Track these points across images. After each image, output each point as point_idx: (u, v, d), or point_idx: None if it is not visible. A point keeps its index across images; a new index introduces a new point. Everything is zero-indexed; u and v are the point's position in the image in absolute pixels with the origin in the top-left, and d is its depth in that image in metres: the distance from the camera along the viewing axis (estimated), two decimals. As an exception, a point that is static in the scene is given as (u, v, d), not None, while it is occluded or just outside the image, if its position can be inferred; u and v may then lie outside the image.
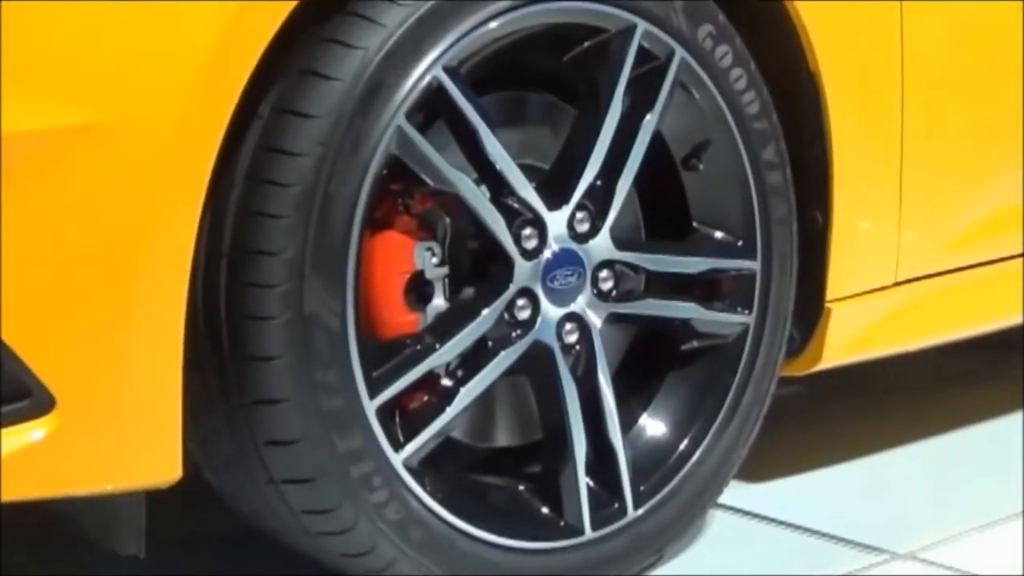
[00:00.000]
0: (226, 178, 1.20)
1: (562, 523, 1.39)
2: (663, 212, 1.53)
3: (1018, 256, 1.83)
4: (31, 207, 1.14)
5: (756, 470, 1.71)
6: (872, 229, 1.63)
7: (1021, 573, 1.47)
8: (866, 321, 1.67)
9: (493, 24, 1.30)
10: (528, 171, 1.38)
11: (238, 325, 1.22)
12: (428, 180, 1.29)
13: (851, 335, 1.66)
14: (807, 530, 1.61)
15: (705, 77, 1.43)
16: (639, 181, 1.43)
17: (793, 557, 1.55)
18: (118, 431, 1.20)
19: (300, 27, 1.21)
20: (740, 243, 1.50)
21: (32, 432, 1.17)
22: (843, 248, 1.58)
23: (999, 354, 2.15)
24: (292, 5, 1.19)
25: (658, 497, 1.43)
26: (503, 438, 1.49)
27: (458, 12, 1.28)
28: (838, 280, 1.59)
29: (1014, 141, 1.81)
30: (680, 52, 1.40)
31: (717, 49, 1.44)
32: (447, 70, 1.26)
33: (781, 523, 1.63)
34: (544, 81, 1.46)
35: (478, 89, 1.36)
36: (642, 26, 1.37)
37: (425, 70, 1.25)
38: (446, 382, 1.35)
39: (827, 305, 1.59)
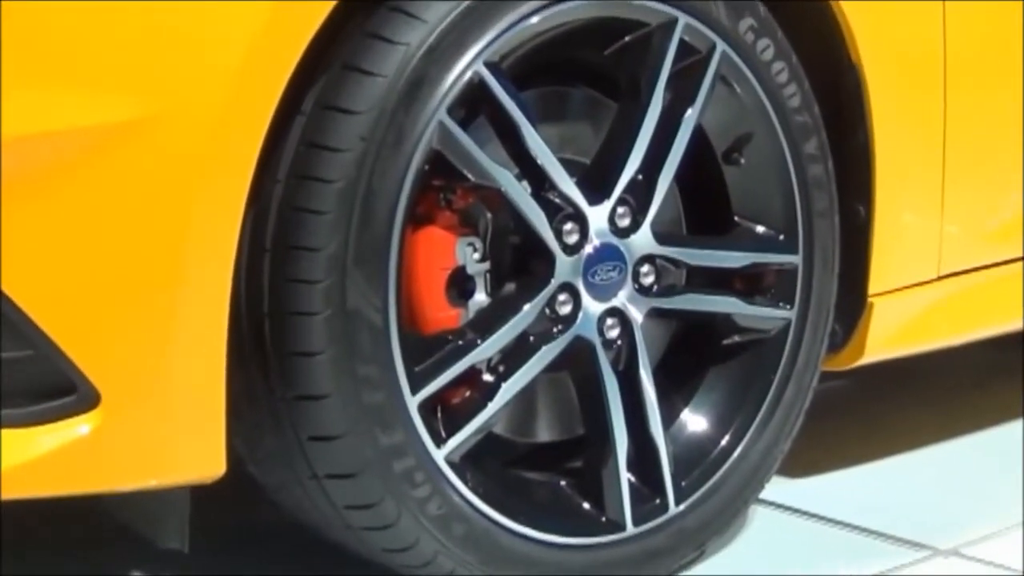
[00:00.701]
0: (269, 174, 1.19)
1: (603, 519, 1.38)
2: (704, 206, 1.51)
3: None
4: (77, 203, 1.13)
5: (798, 465, 1.69)
6: (915, 222, 1.61)
7: None
8: (909, 315, 1.65)
9: (534, 19, 1.28)
10: (569, 166, 1.36)
11: (281, 320, 1.21)
12: (470, 175, 1.28)
13: (894, 330, 1.64)
14: (849, 525, 1.59)
15: (747, 71, 1.41)
16: (680, 175, 1.41)
17: (835, 553, 1.54)
18: (162, 426, 1.19)
19: (342, 23, 1.20)
20: (782, 237, 1.48)
21: (78, 427, 1.16)
22: (885, 242, 1.56)
23: None
24: (334, 2, 1.16)
25: (700, 493, 1.42)
26: (545, 433, 1.48)
27: (499, 7, 1.27)
28: (880, 274, 1.57)
29: None
30: (721, 46, 1.39)
31: (758, 42, 1.42)
32: (488, 65, 1.25)
33: (823, 518, 1.62)
34: (585, 76, 1.44)
35: (519, 84, 1.34)
36: (683, 20, 1.36)
37: (467, 65, 1.24)
38: (488, 377, 1.33)
39: (870, 299, 1.57)
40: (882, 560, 1.49)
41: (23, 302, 1.13)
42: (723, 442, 1.46)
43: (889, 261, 1.57)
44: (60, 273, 1.14)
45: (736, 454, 1.45)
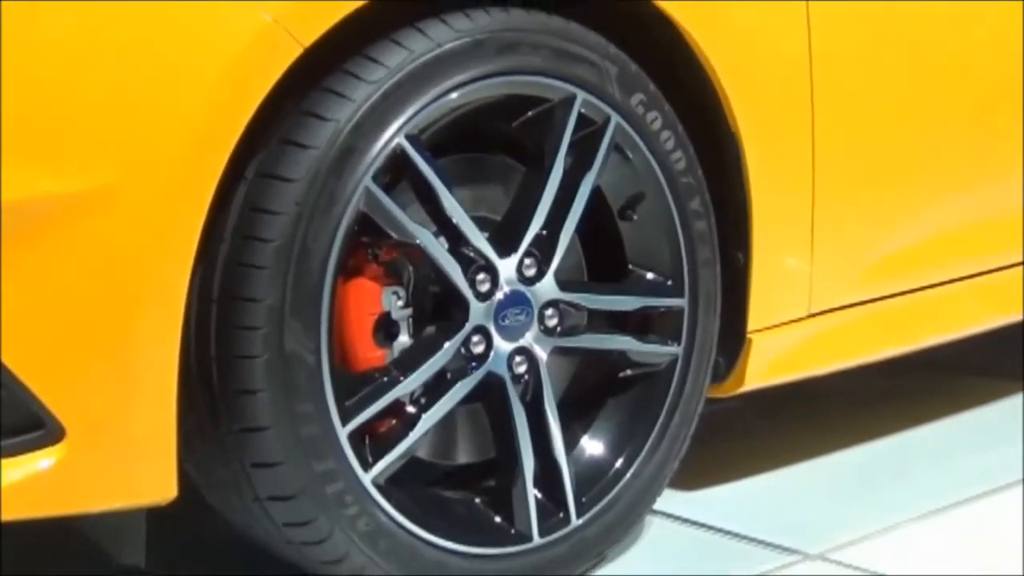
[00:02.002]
0: (215, 234, 1.22)
1: (513, 531, 1.40)
2: (602, 256, 1.53)
3: (927, 287, 1.82)
4: (45, 262, 1.16)
5: (688, 479, 1.70)
6: (787, 268, 1.62)
7: (920, 573, 1.49)
8: (783, 349, 1.66)
9: (453, 95, 1.31)
10: (482, 223, 1.38)
11: (226, 363, 1.23)
12: (393, 234, 1.30)
13: (770, 362, 1.65)
14: (730, 533, 1.61)
15: (638, 139, 1.43)
16: (580, 229, 1.43)
17: (716, 557, 1.56)
18: (121, 457, 1.21)
19: (280, 102, 1.23)
20: (670, 283, 1.50)
21: (45, 459, 1.18)
22: (761, 285, 1.58)
23: (915, 374, 2.16)
24: (272, 83, 1.20)
25: (598, 507, 1.44)
26: (462, 456, 1.49)
27: (419, 86, 1.29)
28: (758, 313, 1.59)
29: (920, 188, 1.80)
30: (615, 118, 1.41)
31: (648, 115, 1.44)
32: (409, 137, 1.28)
33: (708, 527, 1.63)
34: (497, 143, 1.46)
35: (439, 151, 1.36)
36: (581, 96, 1.39)
37: (390, 138, 1.27)
38: (411, 409, 1.35)
39: (748, 336, 1.60)
40: (756, 564, 1.51)
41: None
42: (618, 463, 1.47)
43: (765, 302, 1.59)
44: (30, 323, 1.16)
45: (630, 473, 1.47)
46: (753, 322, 1.59)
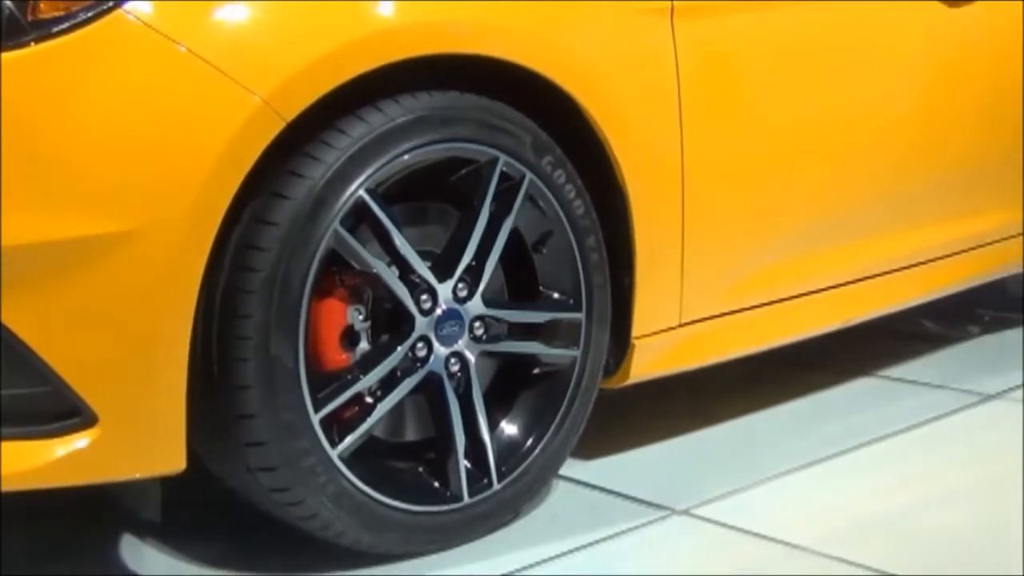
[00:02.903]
0: (217, 264, 1.27)
1: (448, 493, 1.45)
2: (520, 280, 1.57)
3: (777, 301, 1.85)
4: (84, 288, 1.21)
5: (586, 451, 1.74)
6: (662, 289, 1.66)
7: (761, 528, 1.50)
8: (660, 351, 1.70)
9: (404, 157, 1.37)
10: (426, 255, 1.43)
11: (225, 365, 1.29)
12: (356, 265, 1.37)
13: (650, 361, 1.69)
14: (616, 493, 1.65)
15: (547, 191, 1.50)
16: (503, 259, 1.49)
17: (604, 513, 1.59)
18: (141, 438, 1.26)
19: (269, 163, 1.28)
20: (571, 302, 1.55)
21: (82, 440, 1.23)
22: (643, 303, 1.63)
23: (785, 365, 2.18)
24: (262, 149, 1.25)
25: (514, 475, 1.50)
26: (409, 435, 1.53)
27: (377, 151, 1.34)
28: (640, 324, 1.64)
29: (770, 226, 1.83)
30: (529, 175, 1.47)
31: (555, 172, 1.50)
32: (368, 191, 1.34)
33: (600, 488, 1.68)
34: (438, 193, 1.50)
35: (393, 199, 1.40)
36: (503, 158, 1.45)
37: (353, 191, 1.33)
38: (368, 400, 1.41)
39: (632, 341, 1.65)
40: (631, 519, 1.55)
41: (46, 354, 1.21)
42: (530, 441, 1.54)
43: (645, 315, 1.64)
44: (73, 335, 1.21)
45: (539, 449, 1.53)
46: (636, 331, 1.65)
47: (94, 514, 1.58)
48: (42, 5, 1.22)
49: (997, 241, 2.24)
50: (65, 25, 1.21)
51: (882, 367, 2.30)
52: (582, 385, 1.58)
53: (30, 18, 1.20)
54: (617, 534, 1.51)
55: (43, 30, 1.20)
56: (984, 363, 2.35)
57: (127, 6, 1.22)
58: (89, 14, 1.21)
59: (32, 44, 1.20)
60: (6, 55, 1.19)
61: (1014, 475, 1.71)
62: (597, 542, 1.49)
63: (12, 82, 1.18)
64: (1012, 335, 2.57)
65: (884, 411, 2.04)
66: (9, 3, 1.20)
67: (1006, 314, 2.68)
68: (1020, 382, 2.19)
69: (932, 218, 2.11)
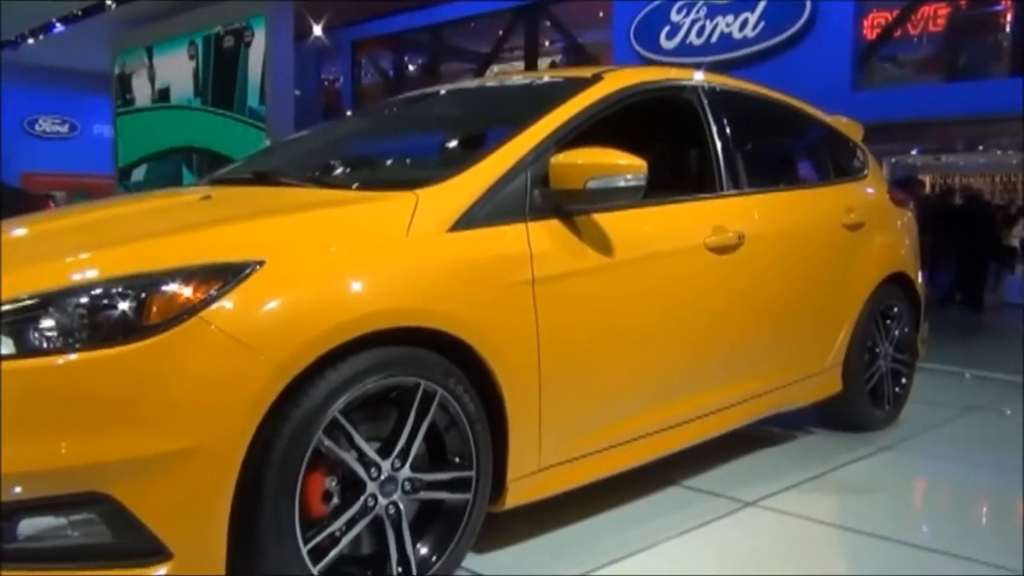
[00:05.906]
0: (250, 460, 1.81)
1: None
2: (435, 451, 2.14)
3: (611, 447, 2.42)
4: (158, 486, 1.70)
5: (478, 548, 2.28)
6: (525, 446, 2.24)
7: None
8: (527, 487, 2.28)
9: (365, 387, 1.96)
10: (374, 441, 2.01)
11: (248, 517, 1.84)
12: (331, 456, 1.96)
13: (520, 494, 2.27)
14: None
15: (451, 400, 2.11)
16: (425, 439, 2.08)
17: None
18: (198, 566, 1.80)
19: (293, 392, 1.85)
20: (467, 464, 2.14)
21: (160, 570, 1.75)
22: (514, 458, 2.23)
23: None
24: (278, 391, 1.81)
25: None
26: (364, 550, 2.07)
27: (345, 386, 1.92)
28: (512, 471, 2.23)
29: (603, 405, 2.43)
30: (440, 391, 2.08)
31: (456, 387, 2.11)
32: (341, 412, 1.94)
33: None
34: (386, 401, 2.05)
35: (357, 407, 1.95)
36: (423, 383, 2.06)
37: (330, 412, 1.92)
38: (337, 535, 1.97)
39: (508, 482, 2.23)
40: None
41: (143, 517, 1.74)
42: (436, 556, 2.10)
43: (515, 464, 2.22)
44: (157, 501, 1.71)
45: (443, 560, 2.11)
46: (510, 475, 2.25)
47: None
48: (154, 311, 1.73)
49: (762, 394, 3.09)
50: (165, 327, 1.78)
51: (684, 477, 2.90)
52: (473, 515, 2.20)
53: (145, 323, 1.75)
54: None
55: (153, 331, 1.76)
56: (754, 474, 2.92)
57: (203, 313, 1.81)
58: (183, 316, 1.78)
59: (143, 340, 1.77)
60: (124, 348, 1.76)
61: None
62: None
63: (126, 366, 1.76)
64: (783, 448, 3.22)
65: (677, 516, 2.62)
66: (125, 307, 1.75)
67: (789, 431, 3.37)
68: (773, 491, 2.83)
69: (716, 383, 2.88)
